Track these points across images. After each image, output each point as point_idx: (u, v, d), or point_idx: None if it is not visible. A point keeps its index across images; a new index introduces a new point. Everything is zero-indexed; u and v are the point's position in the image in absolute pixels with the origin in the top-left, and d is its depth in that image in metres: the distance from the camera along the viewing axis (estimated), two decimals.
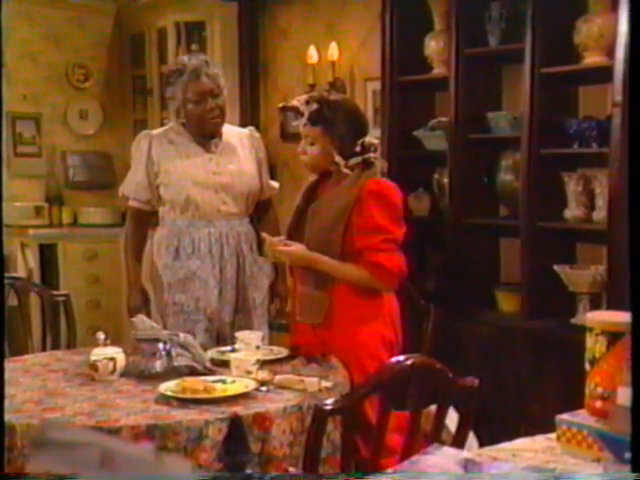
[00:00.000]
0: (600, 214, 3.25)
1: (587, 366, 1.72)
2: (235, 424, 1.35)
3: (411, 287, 3.15)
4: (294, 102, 2.73)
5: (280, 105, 2.78)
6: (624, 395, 1.62)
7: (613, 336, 1.69)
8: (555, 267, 3.34)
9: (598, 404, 1.69)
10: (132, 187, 3.16)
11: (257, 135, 3.32)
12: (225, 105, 3.13)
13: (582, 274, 3.30)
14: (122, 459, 0.91)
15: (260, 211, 3.28)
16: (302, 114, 2.68)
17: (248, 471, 1.22)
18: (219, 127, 3.15)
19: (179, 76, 3.08)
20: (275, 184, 3.35)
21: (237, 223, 3.15)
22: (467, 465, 1.55)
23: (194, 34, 5.53)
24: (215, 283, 3.09)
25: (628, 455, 1.58)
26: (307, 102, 2.68)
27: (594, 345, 1.71)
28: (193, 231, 3.09)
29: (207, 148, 3.14)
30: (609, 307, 3.04)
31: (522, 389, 3.38)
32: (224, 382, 2.33)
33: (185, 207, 3.07)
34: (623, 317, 1.77)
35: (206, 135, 3.14)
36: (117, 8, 5.94)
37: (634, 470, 1.36)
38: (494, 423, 3.05)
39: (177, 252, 3.11)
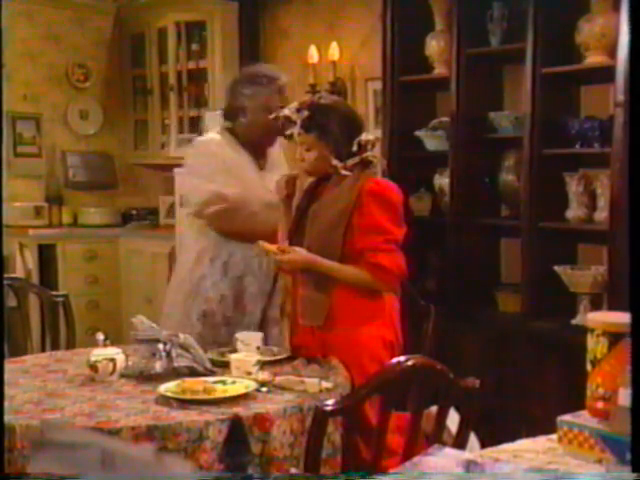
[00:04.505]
0: (602, 214, 3.25)
1: (588, 367, 1.72)
2: (235, 425, 1.35)
3: (411, 287, 3.15)
4: (285, 111, 2.72)
5: (272, 116, 2.78)
6: (625, 396, 1.62)
7: (614, 337, 1.69)
8: (556, 268, 3.34)
9: (600, 405, 1.69)
10: (213, 194, 3.02)
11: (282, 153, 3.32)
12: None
13: (583, 275, 3.30)
14: (122, 460, 0.91)
15: None
16: (294, 122, 2.67)
17: (249, 472, 1.21)
18: (272, 145, 3.15)
19: (270, 83, 3.09)
20: None
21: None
22: (469, 466, 1.55)
23: (194, 34, 5.53)
24: (266, 299, 3.08)
25: (628, 455, 1.58)
26: (298, 110, 2.67)
27: (595, 346, 1.71)
28: (246, 246, 3.05)
29: (260, 165, 3.14)
30: (610, 308, 3.04)
31: (523, 390, 3.38)
32: (224, 383, 2.33)
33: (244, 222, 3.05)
34: (624, 318, 1.76)
35: (257, 146, 3.12)
36: (117, 8, 5.95)
37: (634, 470, 1.36)
38: (495, 424, 3.05)
39: (225, 266, 3.06)
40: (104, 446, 0.93)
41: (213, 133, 3.24)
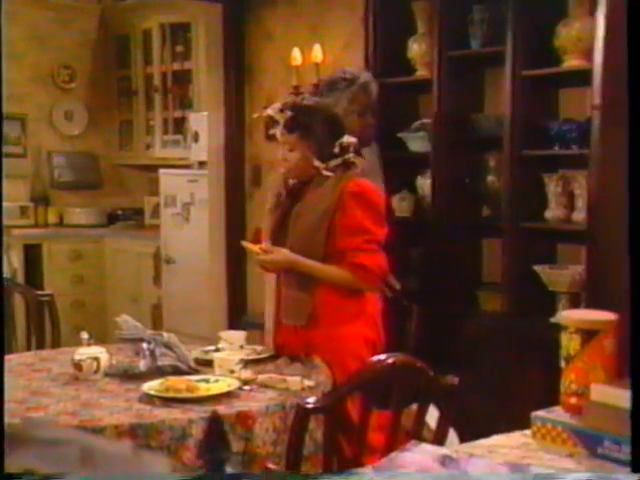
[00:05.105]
0: (580, 215, 3.29)
1: (562, 364, 1.75)
2: (214, 422, 1.37)
3: (395, 287, 3.20)
4: (268, 111, 2.75)
5: (255, 115, 2.80)
6: (599, 392, 1.66)
7: (587, 334, 1.72)
8: (535, 267, 3.38)
9: (573, 400, 1.72)
10: None
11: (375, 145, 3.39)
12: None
13: (561, 274, 3.34)
14: (101, 456, 0.92)
15: None
16: (277, 122, 2.70)
17: (229, 469, 1.24)
18: (367, 145, 3.21)
19: (349, 85, 3.16)
20: None
21: None
22: (444, 461, 1.58)
23: (179, 35, 5.55)
24: None
25: (600, 450, 1.62)
26: (281, 110, 2.70)
27: (569, 343, 1.74)
28: None
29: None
30: (588, 306, 3.07)
31: (503, 387, 3.42)
32: (207, 381, 2.35)
33: None
34: (597, 316, 1.81)
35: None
36: (102, 9, 5.95)
37: (634, 470, 1.39)
38: (475, 420, 3.08)
39: None
40: (84, 442, 0.94)
41: None
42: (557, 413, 1.73)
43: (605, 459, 1.60)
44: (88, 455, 0.92)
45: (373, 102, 3.24)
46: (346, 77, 3.20)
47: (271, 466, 1.73)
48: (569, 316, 1.79)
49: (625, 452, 1.57)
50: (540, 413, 1.74)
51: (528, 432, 1.75)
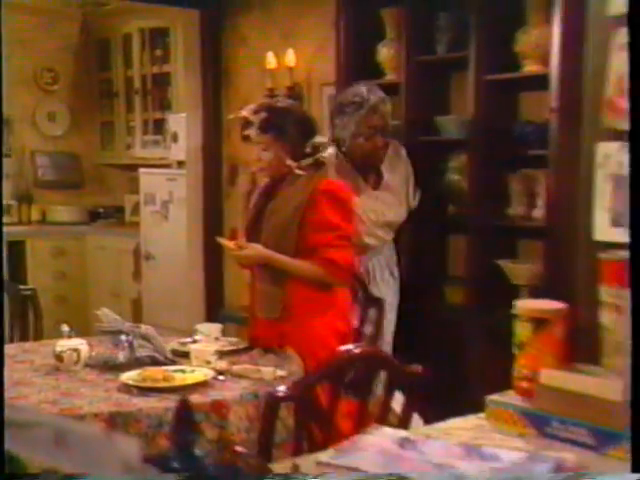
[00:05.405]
0: (539, 212, 3.41)
1: (515, 350, 1.86)
2: (182, 406, 1.46)
3: (364, 282, 3.31)
4: (243, 112, 2.85)
5: (230, 116, 2.88)
6: (548, 376, 1.77)
7: (538, 322, 1.83)
8: (498, 262, 3.50)
9: (524, 384, 1.83)
10: None
11: (403, 152, 3.47)
12: (388, 141, 3.28)
13: (522, 268, 3.44)
14: (75, 438, 0.95)
15: None
16: (252, 123, 2.81)
17: (197, 452, 1.33)
18: (381, 163, 3.29)
19: (357, 109, 3.21)
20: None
21: (390, 248, 3.39)
22: (403, 443, 1.69)
23: (158, 40, 5.63)
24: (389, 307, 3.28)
25: (549, 430, 1.74)
26: (255, 111, 2.80)
27: (521, 331, 1.85)
28: (363, 258, 3.26)
29: (374, 186, 3.28)
30: (545, 298, 3.18)
31: (467, 374, 3.50)
32: (184, 372, 2.43)
33: (358, 241, 3.14)
34: (547, 305, 1.93)
35: (366, 167, 3.25)
36: (83, 14, 6.02)
37: (634, 470, 1.44)
38: (441, 407, 3.18)
39: None
40: (57, 425, 0.96)
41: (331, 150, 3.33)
42: (510, 397, 1.85)
43: (553, 438, 1.72)
44: (61, 437, 0.95)
45: (384, 123, 3.27)
46: (354, 100, 3.25)
47: (238, 449, 1.82)
48: (521, 305, 1.89)
49: (571, 431, 1.69)
50: (494, 397, 1.85)
51: (483, 415, 1.86)
